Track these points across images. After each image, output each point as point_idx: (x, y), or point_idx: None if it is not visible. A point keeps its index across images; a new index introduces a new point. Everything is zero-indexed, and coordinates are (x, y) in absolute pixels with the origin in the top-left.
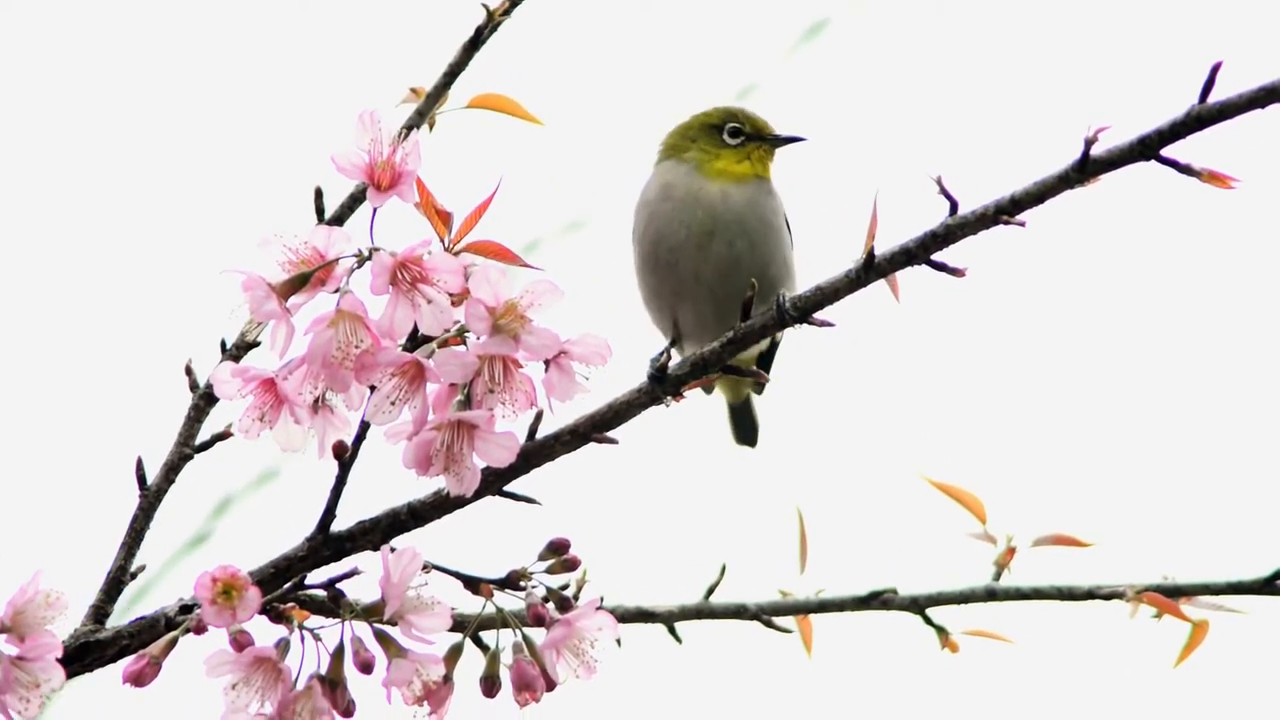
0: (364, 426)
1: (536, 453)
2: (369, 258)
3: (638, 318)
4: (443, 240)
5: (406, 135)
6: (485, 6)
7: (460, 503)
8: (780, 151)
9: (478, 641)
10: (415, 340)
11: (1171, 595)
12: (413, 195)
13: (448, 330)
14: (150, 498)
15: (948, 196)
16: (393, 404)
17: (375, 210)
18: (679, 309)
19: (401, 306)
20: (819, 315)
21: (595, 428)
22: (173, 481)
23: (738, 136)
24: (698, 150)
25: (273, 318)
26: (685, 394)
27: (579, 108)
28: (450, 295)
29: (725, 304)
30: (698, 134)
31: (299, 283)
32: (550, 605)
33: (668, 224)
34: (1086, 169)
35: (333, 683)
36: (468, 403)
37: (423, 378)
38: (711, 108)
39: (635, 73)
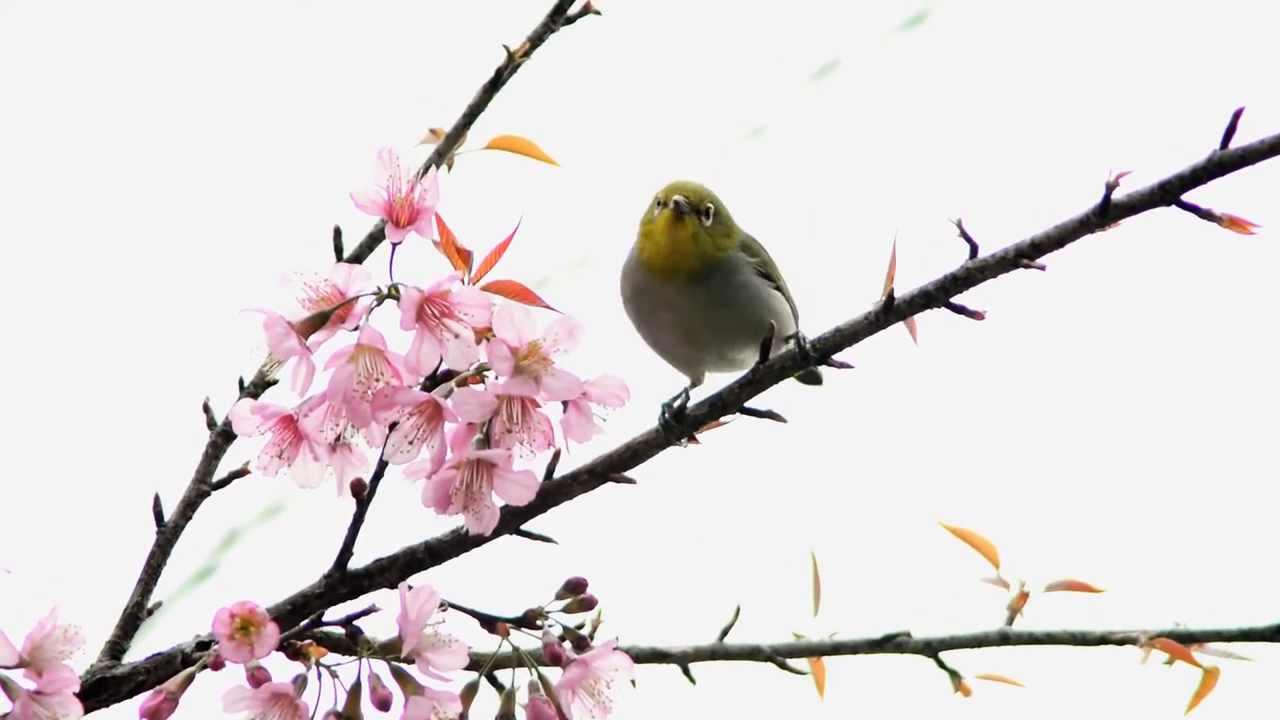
0: (382, 464)
1: (554, 492)
2: (388, 296)
3: (652, 358)
4: (463, 280)
5: (425, 173)
6: (505, 48)
7: (477, 541)
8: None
9: (493, 680)
10: (435, 378)
11: (1183, 641)
12: (431, 231)
13: (468, 368)
14: (167, 534)
15: (968, 239)
16: (411, 443)
17: (395, 248)
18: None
19: (428, 342)
20: (838, 357)
21: (613, 468)
22: (190, 518)
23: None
24: (643, 238)
25: (293, 355)
26: (699, 438)
27: (595, 148)
28: (475, 330)
29: (731, 365)
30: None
31: (319, 321)
32: (566, 644)
33: (649, 329)
34: (1107, 213)
35: None
36: (486, 441)
37: (441, 417)
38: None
39: (650, 111)
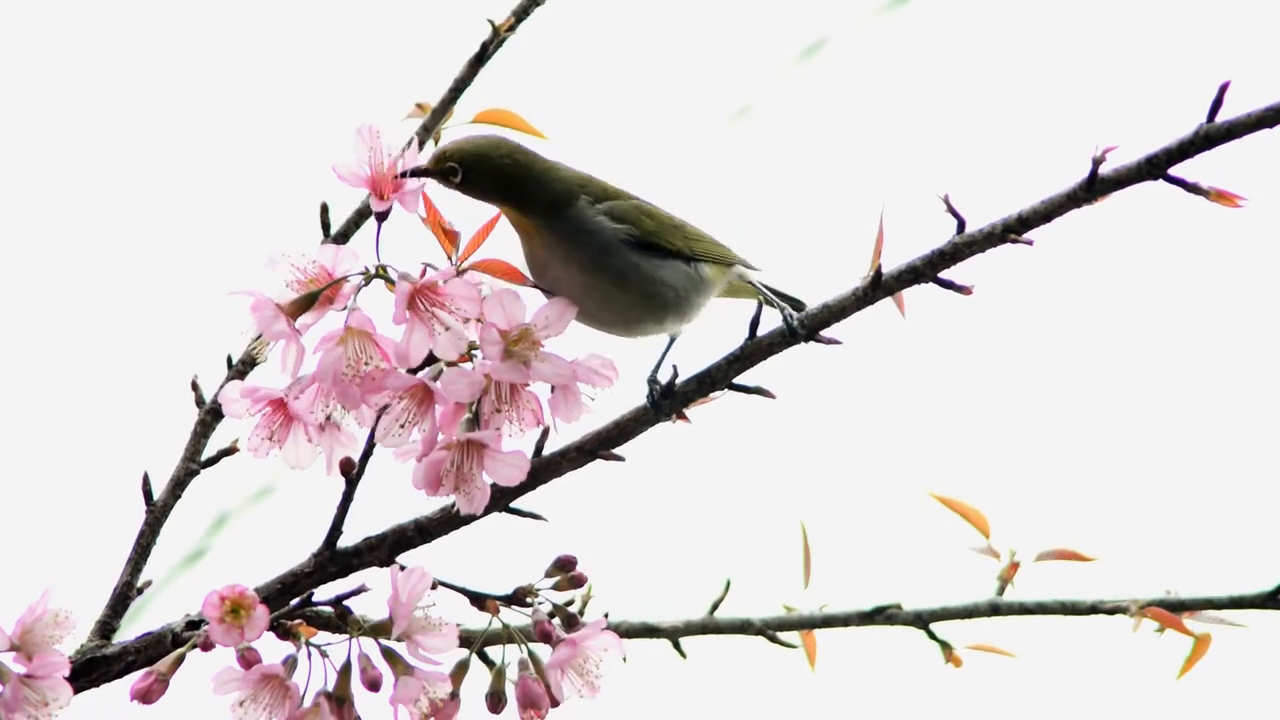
0: (371, 443)
1: (543, 470)
2: (375, 275)
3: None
4: (450, 258)
5: (409, 146)
6: (490, 22)
7: (467, 519)
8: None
9: (484, 658)
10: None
11: (1174, 610)
12: (415, 204)
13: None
14: (156, 513)
15: (955, 215)
16: (402, 426)
17: (380, 226)
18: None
19: (418, 333)
20: (826, 332)
21: (602, 444)
22: (179, 497)
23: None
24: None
25: (282, 338)
26: (687, 414)
27: (581, 121)
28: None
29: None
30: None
31: (307, 303)
32: (556, 621)
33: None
34: (1094, 188)
35: (340, 700)
36: (476, 421)
37: (431, 400)
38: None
39: (636, 89)
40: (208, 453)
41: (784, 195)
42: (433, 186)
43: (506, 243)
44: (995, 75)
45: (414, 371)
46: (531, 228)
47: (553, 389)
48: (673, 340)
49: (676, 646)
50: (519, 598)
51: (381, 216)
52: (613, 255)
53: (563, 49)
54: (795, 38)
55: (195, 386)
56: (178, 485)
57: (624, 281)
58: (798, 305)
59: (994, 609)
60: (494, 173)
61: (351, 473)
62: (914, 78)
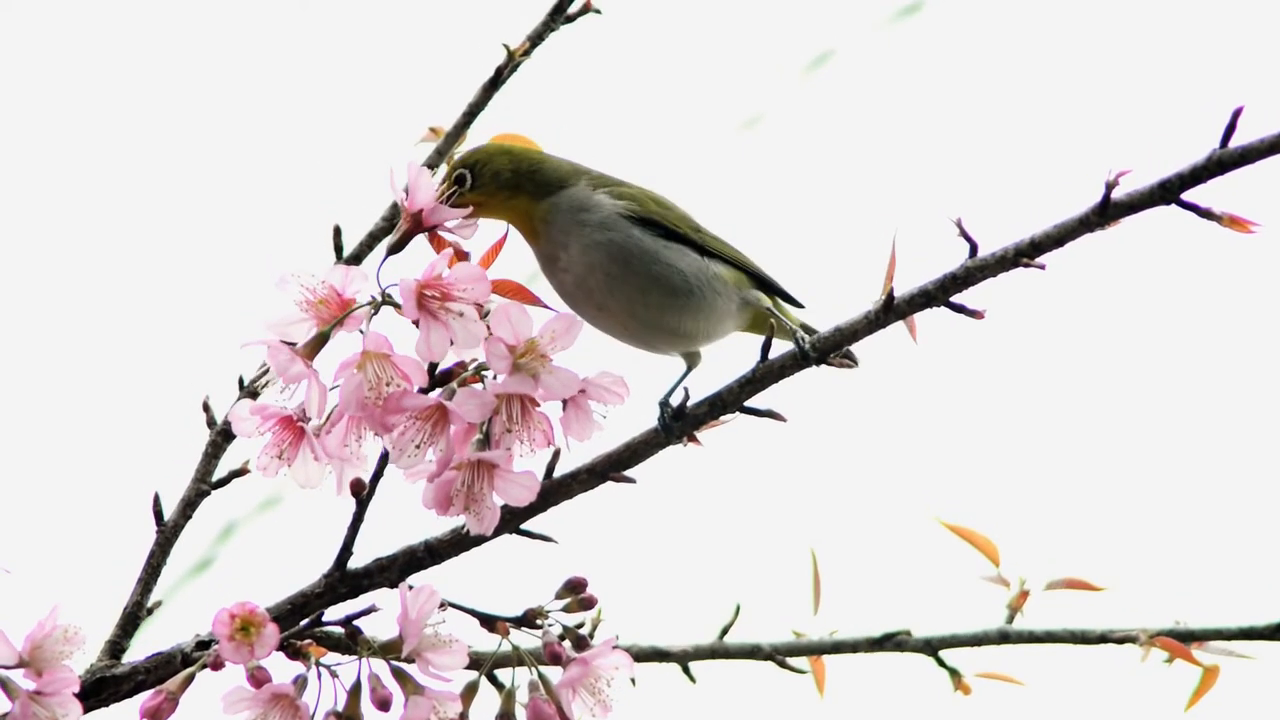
0: (382, 464)
1: (554, 491)
2: (384, 302)
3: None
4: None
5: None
6: (505, 46)
7: (477, 541)
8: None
9: (494, 679)
10: (433, 379)
11: (1183, 640)
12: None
13: (465, 367)
14: (167, 533)
15: (967, 238)
16: (418, 447)
17: (388, 253)
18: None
19: (435, 329)
20: (837, 356)
21: (613, 467)
22: (189, 518)
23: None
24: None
25: (301, 379)
26: (699, 437)
27: (593, 144)
28: (478, 306)
29: (664, 333)
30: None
31: (321, 342)
32: (566, 643)
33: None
34: (1107, 212)
35: None
36: (487, 442)
37: (446, 420)
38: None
39: (646, 98)
40: (219, 474)
41: (793, 205)
42: None
43: (513, 258)
44: (1005, 89)
45: (428, 391)
46: (539, 218)
47: (564, 406)
48: (690, 368)
49: (686, 671)
50: (529, 620)
51: (397, 248)
52: (613, 229)
53: (574, 68)
54: (804, 47)
55: (206, 408)
56: (188, 506)
57: (626, 256)
58: (809, 330)
59: (1003, 637)
60: (503, 164)
61: (362, 494)
62: (923, 88)
